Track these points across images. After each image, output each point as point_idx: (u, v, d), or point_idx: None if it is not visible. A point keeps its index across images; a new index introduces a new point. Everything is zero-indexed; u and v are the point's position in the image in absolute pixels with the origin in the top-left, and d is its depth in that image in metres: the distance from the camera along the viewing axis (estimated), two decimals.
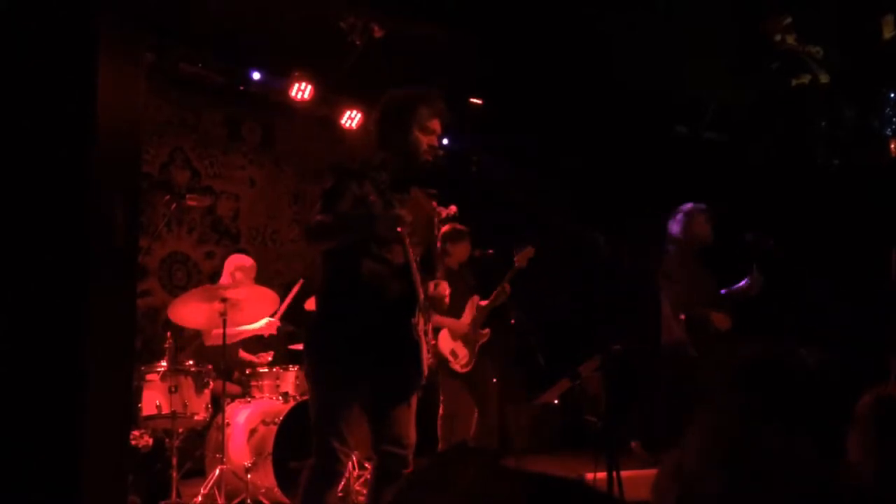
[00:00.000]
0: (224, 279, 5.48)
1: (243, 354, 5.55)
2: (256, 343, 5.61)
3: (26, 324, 2.28)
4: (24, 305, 2.29)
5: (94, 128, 2.31)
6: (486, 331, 5.60)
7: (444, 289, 3.19)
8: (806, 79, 6.52)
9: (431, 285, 3.18)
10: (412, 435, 3.16)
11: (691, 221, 5.08)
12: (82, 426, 2.22)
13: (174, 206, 5.45)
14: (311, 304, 5.22)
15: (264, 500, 4.62)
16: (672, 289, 4.97)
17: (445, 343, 5.40)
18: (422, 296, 3.12)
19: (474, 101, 7.18)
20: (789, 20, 6.43)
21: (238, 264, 5.48)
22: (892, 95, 6.61)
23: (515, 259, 5.48)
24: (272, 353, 5.56)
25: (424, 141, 3.16)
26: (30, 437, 2.22)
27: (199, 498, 4.54)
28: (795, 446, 1.26)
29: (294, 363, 5.35)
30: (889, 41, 6.22)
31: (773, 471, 1.23)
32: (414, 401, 3.20)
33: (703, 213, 5.10)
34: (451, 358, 5.40)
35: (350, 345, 3.01)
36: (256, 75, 6.70)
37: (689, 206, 5.14)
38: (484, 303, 5.55)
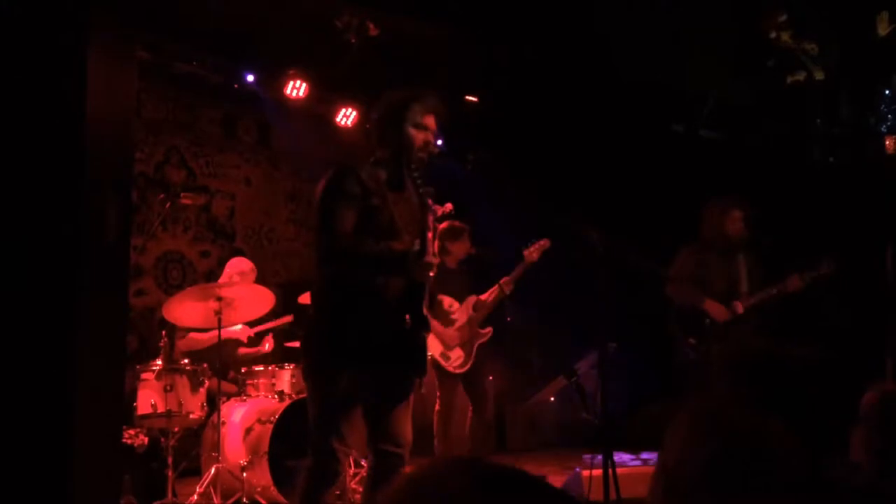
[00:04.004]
0: (222, 281, 5.47)
1: (243, 350, 5.54)
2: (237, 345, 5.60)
3: (17, 320, 2.27)
4: (15, 302, 2.28)
5: (85, 125, 2.30)
6: (487, 330, 5.55)
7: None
8: (801, 76, 6.53)
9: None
10: (409, 434, 3.18)
11: (725, 216, 5.05)
12: (73, 424, 2.21)
13: (169, 204, 5.44)
14: (305, 299, 5.20)
15: (260, 499, 4.61)
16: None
17: (434, 346, 5.32)
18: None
19: (469, 98, 7.17)
20: (784, 17, 6.43)
21: (238, 269, 5.46)
22: (888, 92, 6.62)
23: (525, 252, 5.39)
24: (271, 338, 5.54)
25: (419, 137, 3.18)
26: (19, 436, 2.21)
27: (195, 497, 4.53)
28: (786, 437, 1.26)
29: (290, 361, 5.34)
30: (884, 38, 6.23)
31: (758, 456, 1.23)
32: (411, 400, 3.22)
33: (738, 209, 5.07)
34: (442, 360, 5.35)
35: (350, 343, 3.01)
36: (250, 77, 6.68)
37: (727, 198, 5.11)
38: (484, 297, 5.51)
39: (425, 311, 3.16)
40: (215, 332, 4.73)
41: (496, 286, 5.46)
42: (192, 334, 5.22)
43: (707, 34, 6.53)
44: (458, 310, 5.42)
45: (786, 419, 1.30)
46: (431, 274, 3.13)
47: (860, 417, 1.82)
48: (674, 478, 1.28)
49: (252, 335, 5.47)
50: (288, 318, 5.48)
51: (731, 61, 6.81)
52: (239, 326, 5.33)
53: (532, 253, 5.38)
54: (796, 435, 1.28)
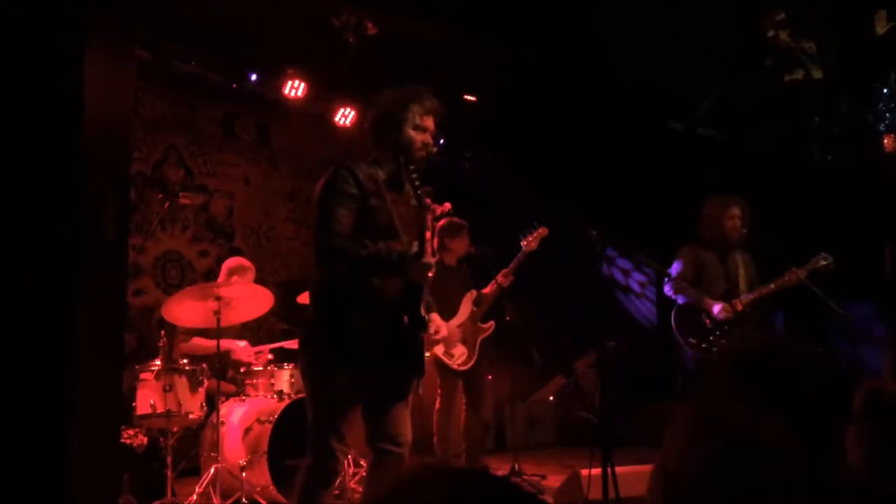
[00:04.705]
0: (220, 281, 5.46)
1: (236, 357, 5.53)
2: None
3: (16, 320, 2.27)
4: (14, 302, 2.28)
5: (84, 125, 2.30)
6: (490, 324, 5.55)
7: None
8: (799, 74, 6.53)
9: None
10: (408, 433, 3.18)
11: (722, 213, 5.07)
12: (73, 424, 2.21)
13: (167, 204, 5.44)
14: (304, 299, 5.19)
15: (259, 499, 4.61)
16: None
17: (438, 346, 5.32)
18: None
19: (468, 97, 7.16)
20: (782, 16, 6.43)
21: (233, 265, 5.44)
22: (886, 91, 6.62)
23: (523, 242, 5.38)
24: (269, 354, 5.53)
25: (418, 139, 3.18)
26: (19, 436, 2.21)
27: (195, 497, 4.53)
28: (786, 437, 1.26)
29: (289, 361, 5.34)
30: (882, 36, 6.23)
31: (756, 455, 1.23)
32: (410, 399, 3.22)
33: (736, 206, 5.08)
34: (446, 359, 5.35)
35: (348, 343, 3.01)
36: (253, 76, 6.66)
37: (725, 197, 5.12)
38: (486, 291, 5.51)
39: (423, 312, 3.17)
40: (219, 342, 4.73)
41: (494, 281, 5.47)
42: (196, 340, 5.21)
43: (707, 34, 6.53)
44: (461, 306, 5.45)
45: (785, 419, 1.30)
46: (430, 275, 3.13)
47: (852, 416, 1.83)
48: (673, 477, 1.28)
49: (253, 356, 5.44)
50: (293, 344, 5.44)
51: (731, 61, 6.81)
52: (243, 343, 5.34)
53: (531, 242, 5.38)
54: (796, 435, 1.28)
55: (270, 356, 5.43)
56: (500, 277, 5.43)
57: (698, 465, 1.25)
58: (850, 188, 6.50)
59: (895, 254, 5.73)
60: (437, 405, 5.48)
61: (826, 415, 1.56)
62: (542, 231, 5.38)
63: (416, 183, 3.11)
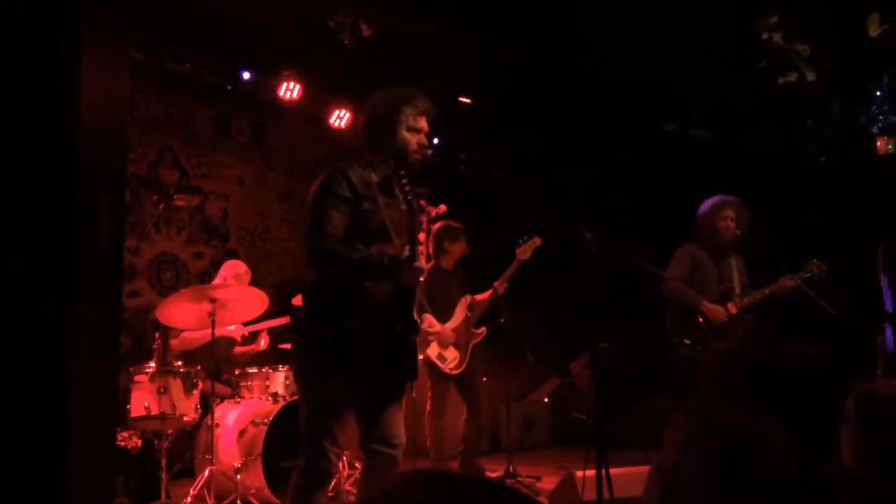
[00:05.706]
0: (216, 283, 5.48)
1: (239, 349, 5.56)
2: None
3: (11, 323, 2.26)
4: (9, 303, 2.27)
5: (79, 125, 2.29)
6: (482, 330, 5.57)
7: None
8: (793, 76, 6.55)
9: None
10: (401, 434, 3.19)
11: (715, 214, 5.07)
12: (67, 426, 2.20)
13: (162, 206, 5.44)
14: (299, 300, 5.19)
15: (254, 501, 4.61)
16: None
17: (431, 348, 5.35)
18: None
19: (463, 99, 7.16)
20: (776, 18, 6.46)
21: (233, 272, 5.47)
22: (879, 93, 6.65)
23: (518, 251, 5.42)
24: (266, 339, 5.55)
25: (413, 140, 3.18)
26: (13, 438, 2.20)
27: (189, 499, 4.52)
28: (784, 437, 1.26)
29: (283, 363, 5.34)
30: (875, 39, 6.26)
31: (755, 455, 1.24)
32: (404, 401, 3.23)
33: (729, 207, 5.08)
34: (438, 362, 5.36)
35: (340, 346, 3.01)
36: (246, 74, 6.66)
37: (717, 197, 5.13)
38: (479, 297, 5.53)
39: (415, 315, 3.17)
40: (209, 331, 4.72)
41: (491, 288, 5.49)
42: (186, 333, 5.22)
43: (703, 35, 6.55)
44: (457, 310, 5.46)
45: (783, 419, 1.30)
46: (421, 279, 3.14)
47: (843, 417, 1.84)
48: (672, 478, 1.28)
49: (246, 334, 5.47)
50: (284, 320, 5.46)
51: (727, 62, 6.83)
52: (233, 326, 5.35)
53: (524, 251, 5.41)
54: (794, 435, 1.28)
55: (264, 342, 5.44)
56: (496, 284, 5.46)
57: (697, 466, 1.25)
58: (844, 189, 6.52)
59: (887, 253, 5.75)
60: (429, 408, 5.49)
61: (824, 415, 1.56)
62: (536, 241, 5.41)
63: (407, 187, 3.11)
